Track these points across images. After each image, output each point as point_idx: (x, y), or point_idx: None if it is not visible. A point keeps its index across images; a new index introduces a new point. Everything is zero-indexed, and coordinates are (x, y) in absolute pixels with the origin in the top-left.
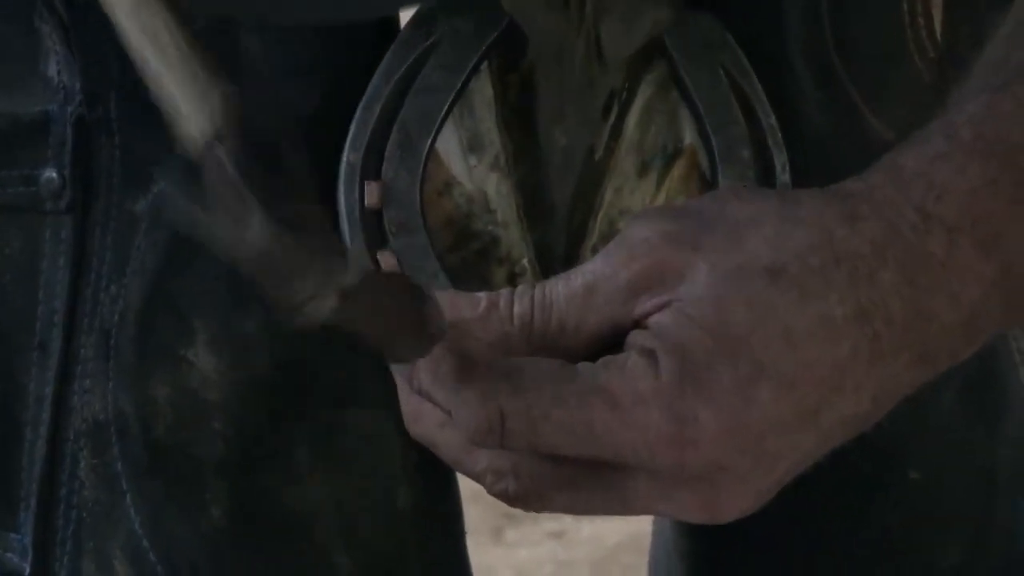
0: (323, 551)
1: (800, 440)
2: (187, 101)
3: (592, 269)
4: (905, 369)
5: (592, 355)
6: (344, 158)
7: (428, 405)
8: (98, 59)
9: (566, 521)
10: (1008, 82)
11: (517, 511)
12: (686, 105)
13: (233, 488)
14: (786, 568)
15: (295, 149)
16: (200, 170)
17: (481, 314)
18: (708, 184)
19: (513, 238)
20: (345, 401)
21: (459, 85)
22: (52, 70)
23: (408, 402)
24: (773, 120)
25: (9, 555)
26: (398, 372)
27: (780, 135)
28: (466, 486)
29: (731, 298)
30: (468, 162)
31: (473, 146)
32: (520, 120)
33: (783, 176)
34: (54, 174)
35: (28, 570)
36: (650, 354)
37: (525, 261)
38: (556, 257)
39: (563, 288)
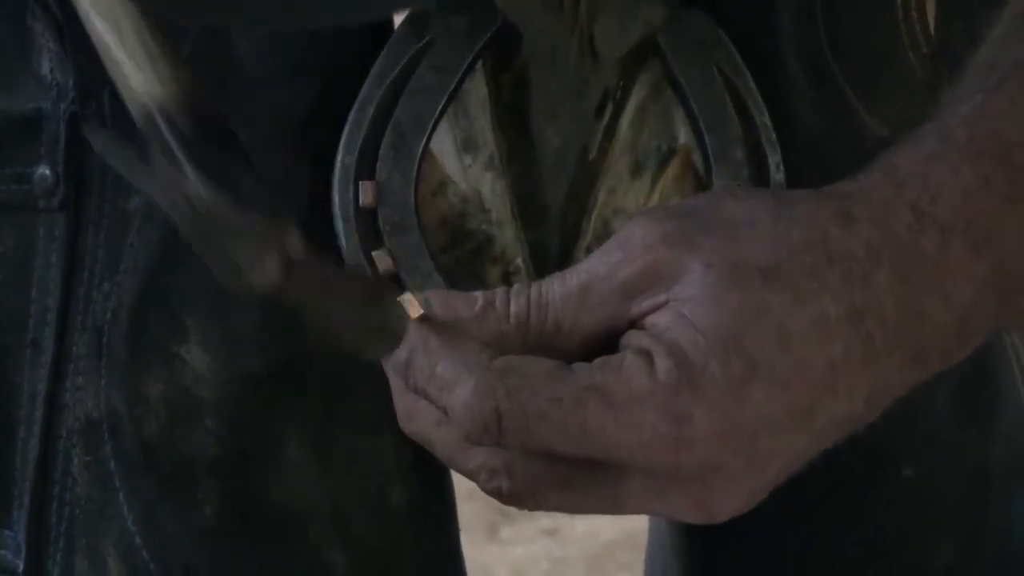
0: (317, 549)
1: (793, 440)
2: (139, 71)
3: (587, 269)
4: (898, 369)
5: (588, 355)
6: (338, 159)
7: (423, 403)
8: (91, 57)
9: (561, 518)
10: (1001, 81)
11: (512, 508)
12: (680, 105)
13: (226, 486)
14: (780, 565)
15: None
16: (140, 129)
17: (477, 313)
18: (702, 184)
19: (507, 238)
20: (338, 399)
21: (453, 86)
22: (45, 68)
23: (402, 400)
24: (767, 119)
25: (3, 552)
26: (392, 370)
27: (774, 134)
28: (461, 484)
29: (726, 298)
30: (462, 162)
31: (467, 146)
32: (514, 120)
33: (777, 175)
34: (47, 171)
35: (21, 567)
36: (646, 354)
37: (519, 261)
38: (550, 257)
39: (559, 287)
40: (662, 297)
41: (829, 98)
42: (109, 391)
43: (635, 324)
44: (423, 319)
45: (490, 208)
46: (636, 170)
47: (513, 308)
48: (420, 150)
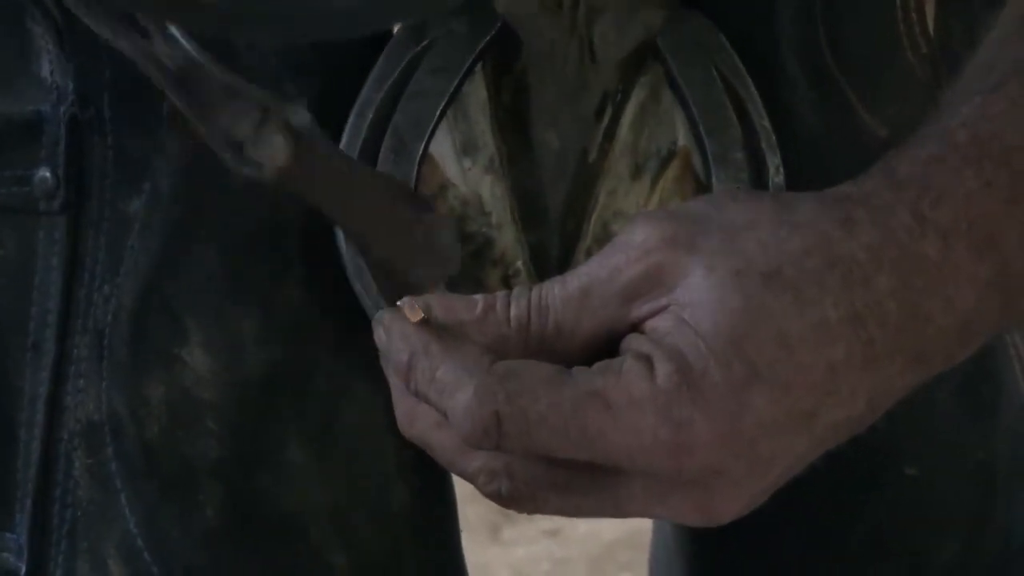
0: (318, 551)
1: (794, 444)
2: None
3: (588, 272)
4: (899, 372)
5: (589, 358)
6: None
7: (423, 406)
8: (91, 60)
9: (562, 519)
10: (1001, 83)
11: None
12: (680, 107)
13: (227, 488)
14: (782, 564)
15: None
16: None
17: (478, 317)
18: (702, 186)
19: (507, 240)
20: (338, 401)
21: (452, 89)
22: (45, 70)
23: (402, 403)
24: (767, 122)
25: (4, 555)
26: (389, 368)
27: (774, 137)
28: (462, 485)
29: (727, 302)
30: (462, 164)
31: (467, 148)
32: (514, 122)
33: (777, 178)
34: (48, 174)
35: (23, 570)
36: (646, 359)
37: (519, 263)
38: (550, 259)
39: (559, 290)
40: (663, 301)
41: (829, 98)
42: (110, 393)
43: (636, 327)
44: (424, 323)
45: (490, 211)
46: (636, 172)
47: (514, 311)
48: (419, 153)
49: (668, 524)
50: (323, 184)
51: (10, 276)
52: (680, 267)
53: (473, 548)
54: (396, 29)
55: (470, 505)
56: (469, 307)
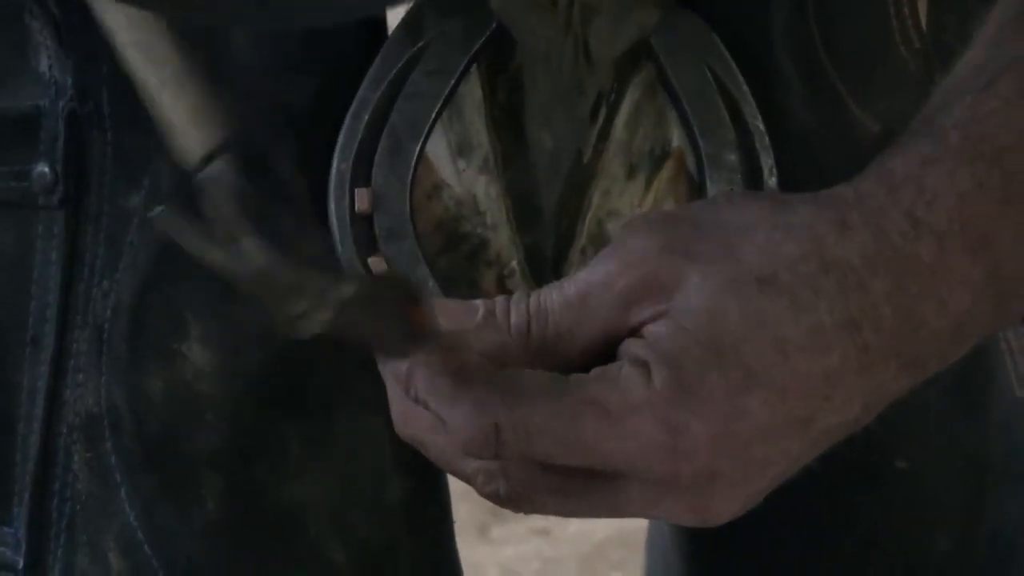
0: (316, 544)
1: (790, 447)
2: (183, 119)
3: (586, 278)
4: (894, 376)
5: (587, 362)
6: (334, 165)
7: (419, 408)
8: (90, 55)
9: (552, 518)
10: (992, 81)
11: (504, 508)
12: (674, 108)
13: (227, 481)
14: (777, 560)
15: (285, 155)
16: (193, 187)
17: (479, 324)
18: (696, 186)
19: (502, 240)
20: (337, 396)
21: (448, 90)
22: (43, 65)
23: (398, 403)
24: (760, 123)
25: (2, 548)
26: (387, 372)
27: (767, 138)
28: (453, 483)
29: (724, 309)
30: (457, 165)
31: (462, 149)
32: (509, 122)
33: (771, 179)
34: (46, 169)
35: (22, 563)
36: (643, 364)
37: (514, 263)
38: (545, 259)
39: (558, 296)
40: (661, 306)
41: (822, 94)
42: (110, 387)
43: (634, 332)
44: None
45: (485, 211)
46: (630, 172)
47: (513, 319)
48: (415, 155)
49: (665, 523)
50: (354, 333)
51: (9, 271)
52: (677, 273)
53: (462, 547)
54: (392, 30)
55: (460, 503)
56: (469, 313)
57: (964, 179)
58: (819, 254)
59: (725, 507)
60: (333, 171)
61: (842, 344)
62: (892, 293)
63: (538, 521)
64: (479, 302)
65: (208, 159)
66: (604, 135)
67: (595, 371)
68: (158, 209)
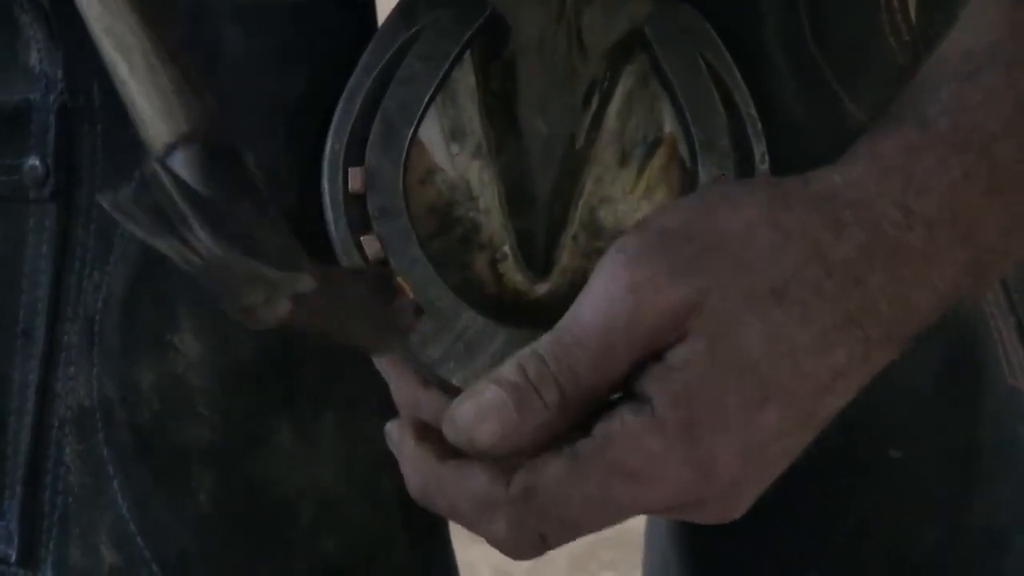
0: (309, 534)
1: (799, 441)
2: (150, 106)
3: (605, 324)
4: (887, 356)
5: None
6: (327, 146)
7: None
8: (80, 49)
9: None
10: (977, 70)
11: None
12: (666, 95)
13: (219, 473)
14: (769, 549)
15: (248, 149)
16: (152, 174)
17: (516, 412)
18: (688, 173)
19: (495, 225)
20: (329, 386)
21: (440, 75)
22: (33, 59)
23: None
24: (752, 110)
25: None
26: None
27: (760, 125)
28: None
29: (745, 330)
30: (450, 150)
31: (455, 134)
32: (502, 109)
33: (762, 166)
34: (37, 162)
35: (14, 556)
36: (648, 407)
37: (506, 248)
38: (537, 244)
39: (581, 354)
40: (683, 330)
41: (812, 86)
42: (101, 380)
43: (656, 355)
44: (420, 442)
45: (477, 196)
46: (623, 159)
47: (547, 397)
48: (408, 137)
49: (663, 521)
50: (316, 326)
51: None
52: (694, 296)
53: (455, 547)
54: (386, 16)
55: None
56: (501, 407)
57: (954, 168)
58: (820, 258)
59: (745, 505)
60: (327, 152)
61: (847, 342)
62: (888, 284)
63: None
64: (500, 390)
65: (172, 147)
66: (597, 123)
67: (600, 430)
68: (108, 193)
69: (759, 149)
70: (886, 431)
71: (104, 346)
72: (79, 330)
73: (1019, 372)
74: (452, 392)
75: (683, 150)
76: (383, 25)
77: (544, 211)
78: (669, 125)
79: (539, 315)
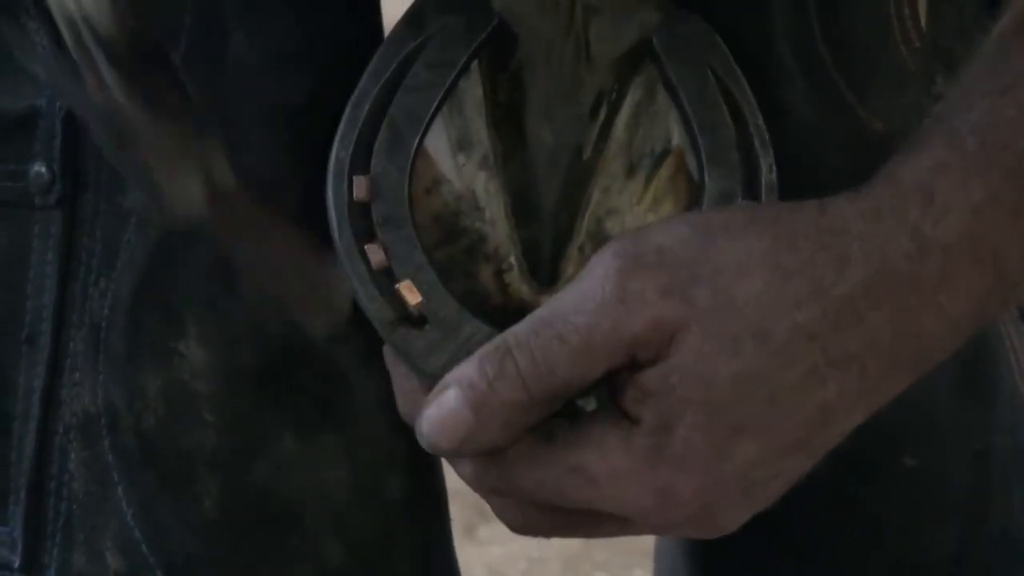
0: (313, 540)
1: (793, 464)
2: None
3: (588, 323)
4: (896, 383)
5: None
6: (333, 154)
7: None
8: None
9: None
10: (1009, 87)
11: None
12: (674, 107)
13: (224, 479)
14: (783, 555)
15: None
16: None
17: (473, 416)
18: (695, 185)
19: (500, 236)
20: (333, 392)
21: (448, 84)
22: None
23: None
24: (760, 121)
25: None
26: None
27: (767, 136)
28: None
29: (719, 375)
30: (457, 160)
31: (462, 144)
32: (509, 119)
33: (770, 177)
34: (43, 169)
35: (18, 563)
36: (625, 425)
37: (512, 259)
38: (543, 255)
39: (560, 348)
40: (663, 350)
41: (823, 92)
42: (107, 386)
43: (632, 366)
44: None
45: (483, 206)
46: (630, 171)
47: (510, 396)
48: (414, 146)
49: None
50: (236, 235)
51: (5, 270)
52: (677, 321)
53: None
54: (394, 25)
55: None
56: (460, 417)
57: (977, 190)
58: (818, 296)
59: (732, 519)
60: (332, 159)
61: (838, 377)
62: (894, 317)
63: None
64: (455, 393)
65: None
66: (604, 133)
67: (577, 433)
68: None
69: (767, 161)
70: (900, 438)
71: (110, 353)
72: (85, 337)
73: None
74: None
75: (690, 162)
76: (391, 33)
77: (550, 222)
78: (677, 137)
79: None
